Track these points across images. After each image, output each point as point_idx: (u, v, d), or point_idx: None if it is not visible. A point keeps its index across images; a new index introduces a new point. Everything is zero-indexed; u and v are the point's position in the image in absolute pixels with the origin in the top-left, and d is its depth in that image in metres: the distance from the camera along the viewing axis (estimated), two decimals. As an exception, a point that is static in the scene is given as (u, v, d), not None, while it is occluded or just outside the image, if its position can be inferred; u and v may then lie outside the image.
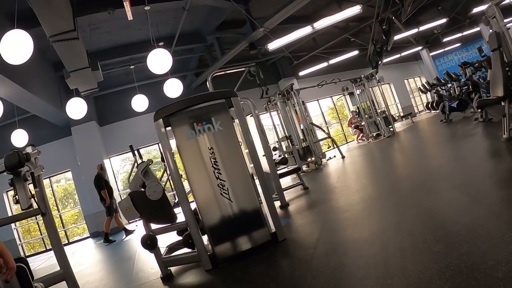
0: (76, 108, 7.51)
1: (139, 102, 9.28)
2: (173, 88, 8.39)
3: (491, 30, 5.60)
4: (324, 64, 14.75)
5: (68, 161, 11.17)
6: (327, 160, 11.00)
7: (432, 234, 2.61)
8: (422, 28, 13.65)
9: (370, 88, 13.13)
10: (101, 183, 8.76)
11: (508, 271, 1.77)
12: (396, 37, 12.77)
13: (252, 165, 3.98)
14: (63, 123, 10.66)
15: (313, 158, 10.29)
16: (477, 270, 1.86)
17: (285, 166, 7.99)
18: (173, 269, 3.89)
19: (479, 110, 7.80)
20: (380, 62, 12.85)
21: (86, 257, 7.34)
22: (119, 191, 11.95)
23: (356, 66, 16.69)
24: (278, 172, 6.56)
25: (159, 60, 6.50)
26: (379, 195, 4.49)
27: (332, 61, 14.66)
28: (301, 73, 15.22)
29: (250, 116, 5.80)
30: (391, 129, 12.76)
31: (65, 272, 3.40)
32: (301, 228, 4.17)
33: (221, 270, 3.46)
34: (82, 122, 10.30)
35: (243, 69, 7.52)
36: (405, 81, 21.59)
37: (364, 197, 4.54)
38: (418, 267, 2.17)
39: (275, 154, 10.26)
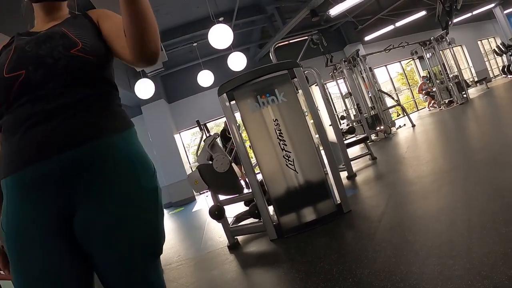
0: (144, 88, 7.88)
1: (205, 78, 9.50)
2: (237, 61, 8.46)
3: None
4: (391, 27, 13.89)
5: (140, 138, 11.64)
6: (397, 128, 10.59)
7: (503, 214, 2.43)
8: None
9: (440, 51, 12.23)
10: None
11: None
12: (466, -6, 11.70)
13: (317, 135, 3.94)
14: (133, 103, 11.19)
15: (382, 127, 9.95)
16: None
17: (353, 135, 7.81)
18: (239, 238, 4.05)
19: None
20: (450, 23, 11.86)
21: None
22: (190, 163, 12.47)
23: (425, 28, 15.54)
24: (346, 141, 6.45)
25: (220, 36, 6.55)
26: (450, 167, 4.24)
27: (398, 24, 13.75)
28: (367, 38, 14.54)
29: (316, 85, 5.71)
30: (465, 96, 11.85)
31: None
32: (367, 200, 4.09)
33: (285, 240, 3.53)
34: (151, 101, 10.75)
35: (305, 37, 7.36)
36: (479, 42, 19.68)
37: (434, 169, 4.32)
38: (483, 249, 2.05)
39: (343, 123, 10.07)
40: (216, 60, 11.75)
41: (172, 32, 10.19)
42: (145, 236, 1.08)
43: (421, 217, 3.00)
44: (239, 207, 4.69)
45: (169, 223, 7.93)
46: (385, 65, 16.00)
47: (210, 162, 3.84)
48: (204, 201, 9.22)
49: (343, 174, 5.49)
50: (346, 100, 11.35)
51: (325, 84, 11.66)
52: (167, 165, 10.76)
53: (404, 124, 10.74)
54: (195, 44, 10.82)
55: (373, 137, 9.81)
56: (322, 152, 3.93)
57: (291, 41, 7.07)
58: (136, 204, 1.08)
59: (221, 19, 8.42)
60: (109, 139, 1.07)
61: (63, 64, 1.02)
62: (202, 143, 4.11)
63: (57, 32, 1.09)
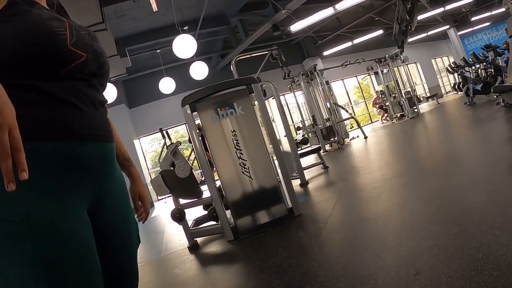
0: (107, 93, 7.87)
1: (166, 85, 9.66)
2: (199, 71, 8.69)
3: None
4: (349, 44, 14.67)
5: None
6: (350, 140, 11.18)
7: (430, 215, 2.88)
8: (448, 7, 13.27)
9: (394, 68, 13.05)
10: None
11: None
12: (422, 16, 12.58)
13: (271, 145, 4.29)
14: (94, 107, 11.10)
15: (335, 138, 10.50)
16: (461, 250, 2.09)
17: (307, 145, 8.23)
18: (199, 239, 4.28)
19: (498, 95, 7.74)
20: (405, 42, 12.74)
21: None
22: (148, 169, 12.51)
23: (382, 45, 16.47)
24: (300, 151, 6.84)
25: (184, 46, 6.79)
26: (392, 176, 4.72)
27: (356, 41, 14.56)
28: (326, 53, 15.22)
29: (273, 98, 6.06)
30: (416, 110, 12.70)
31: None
32: (317, 204, 4.48)
33: (241, 240, 3.83)
34: (112, 106, 10.68)
35: (265, 52, 7.74)
36: (433, 60, 21.05)
37: (378, 178, 4.79)
38: (410, 244, 2.44)
39: (299, 134, 10.53)
40: (178, 67, 11.92)
41: (136, 38, 10.26)
42: (136, 224, 1.25)
43: (362, 219, 3.40)
44: (199, 211, 4.94)
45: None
46: (342, 79, 16.72)
47: (172, 168, 4.09)
48: (162, 207, 9.35)
49: (296, 182, 5.87)
50: (302, 112, 11.83)
51: (283, 95, 12.13)
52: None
53: (357, 136, 11.33)
54: (158, 51, 10.93)
55: (327, 147, 10.32)
56: (276, 161, 4.29)
57: (252, 55, 7.41)
58: (128, 198, 1.24)
59: (186, 27, 8.64)
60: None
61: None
62: (165, 150, 4.35)
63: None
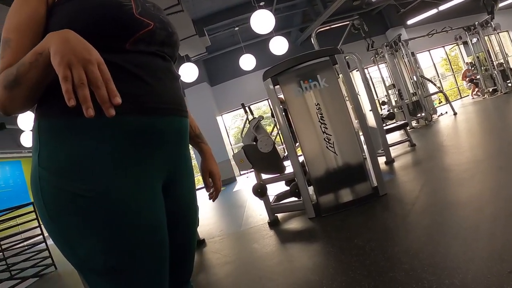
0: (188, 72, 8.10)
1: (247, 61, 9.69)
2: (279, 46, 8.55)
3: None
4: (434, 11, 13.44)
5: (185, 120, 12.22)
6: (438, 116, 10.44)
7: None
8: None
9: (485, 37, 11.78)
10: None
11: None
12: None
13: (357, 120, 4.09)
14: (177, 86, 11.60)
15: (423, 114, 9.85)
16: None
17: (393, 121, 7.82)
18: (279, 215, 4.27)
19: None
20: (495, 7, 11.38)
21: (201, 204, 8.16)
22: (231, 145, 12.82)
23: (470, 12, 14.87)
24: (385, 127, 6.51)
25: (262, 21, 6.70)
26: (485, 156, 4.27)
27: (442, 7, 13.29)
28: (409, 22, 14.18)
29: (357, 71, 5.79)
30: (510, 85, 11.38)
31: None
32: (403, 184, 4.22)
33: (323, 218, 3.73)
34: (194, 84, 11.05)
35: (346, 22, 7.39)
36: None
37: (470, 158, 4.37)
38: (506, 236, 2.17)
39: (384, 109, 10.05)
40: (258, 44, 11.92)
41: (213, 17, 10.42)
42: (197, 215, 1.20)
43: (452, 203, 3.11)
44: (280, 187, 4.92)
45: (212, 202, 8.27)
46: (428, 50, 15.58)
47: (255, 143, 4.08)
48: (244, 182, 9.55)
49: (382, 159, 5.59)
50: (387, 85, 11.25)
51: (367, 68, 11.63)
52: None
53: (446, 112, 10.57)
54: (236, 29, 11.02)
55: (413, 123, 9.75)
56: (362, 136, 4.09)
57: (332, 26, 7.12)
58: (194, 177, 1.19)
59: (262, 3, 8.54)
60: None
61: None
62: (247, 125, 4.35)
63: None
